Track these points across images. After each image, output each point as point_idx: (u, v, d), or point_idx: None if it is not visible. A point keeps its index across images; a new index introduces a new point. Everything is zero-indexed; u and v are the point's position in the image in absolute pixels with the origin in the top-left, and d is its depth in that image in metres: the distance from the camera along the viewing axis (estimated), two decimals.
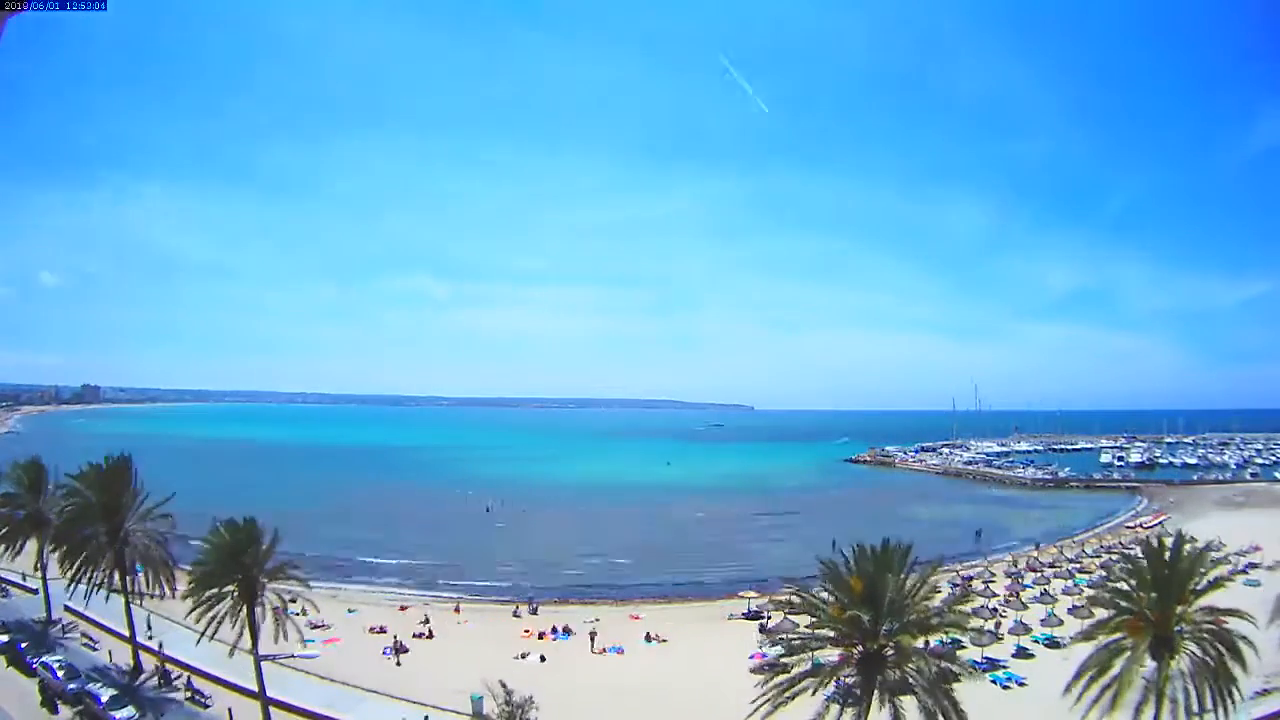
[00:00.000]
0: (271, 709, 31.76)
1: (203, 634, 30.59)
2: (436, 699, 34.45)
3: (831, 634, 23.23)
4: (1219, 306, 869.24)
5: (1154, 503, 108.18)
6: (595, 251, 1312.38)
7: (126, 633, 38.35)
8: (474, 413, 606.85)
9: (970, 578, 62.27)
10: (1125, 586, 25.90)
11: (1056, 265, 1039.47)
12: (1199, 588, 24.36)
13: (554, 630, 47.99)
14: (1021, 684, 37.86)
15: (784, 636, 33.74)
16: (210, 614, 30.78)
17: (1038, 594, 53.93)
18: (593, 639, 45.49)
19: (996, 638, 43.49)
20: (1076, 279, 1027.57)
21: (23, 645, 38.29)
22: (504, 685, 27.85)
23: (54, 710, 31.72)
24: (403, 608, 54.65)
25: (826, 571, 24.05)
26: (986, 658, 40.63)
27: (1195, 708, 22.82)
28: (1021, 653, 42.49)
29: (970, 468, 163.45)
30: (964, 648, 38.96)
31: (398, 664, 41.38)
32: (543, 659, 42.45)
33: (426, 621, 49.14)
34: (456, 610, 53.73)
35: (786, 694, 22.26)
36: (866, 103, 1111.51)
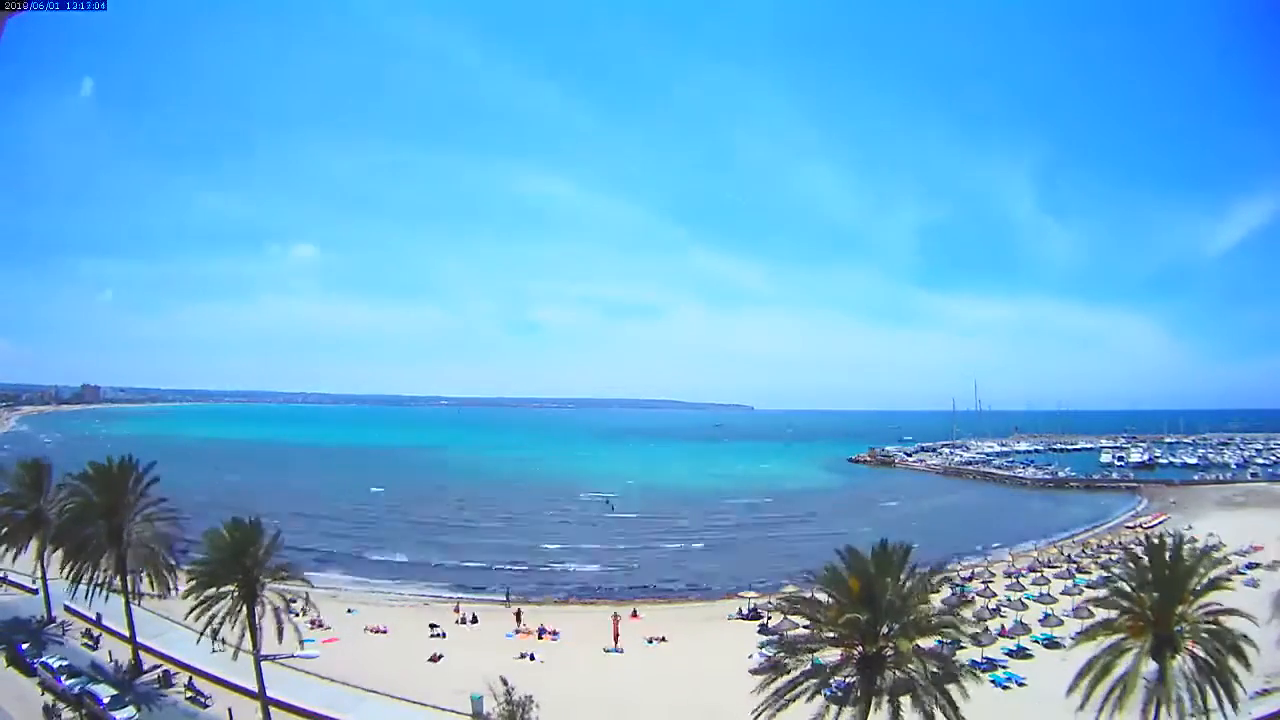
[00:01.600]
0: (271, 709, 31.80)
1: (202, 633, 30.65)
2: (436, 699, 34.47)
3: (831, 635, 23.24)
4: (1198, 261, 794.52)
5: (1154, 503, 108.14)
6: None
7: (126, 633, 38.40)
8: (473, 413, 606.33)
9: (970, 578, 62.32)
10: (1126, 587, 25.91)
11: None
12: (1199, 588, 24.40)
13: (554, 631, 47.96)
14: (1021, 684, 37.88)
15: (784, 637, 33.75)
16: (210, 614, 30.84)
17: (1037, 594, 54.01)
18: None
19: (996, 638, 43.57)
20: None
21: (23, 645, 38.27)
22: (505, 682, 27.87)
23: (54, 710, 31.69)
24: (403, 607, 54.66)
25: (826, 573, 24.06)
26: (986, 658, 40.66)
27: (1197, 707, 22.84)
28: (1021, 653, 42.50)
29: (970, 467, 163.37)
30: (963, 648, 38.93)
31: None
32: (543, 659, 42.44)
33: (435, 628, 49.06)
34: (456, 610, 53.65)
35: (786, 695, 22.28)
36: None
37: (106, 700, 31.74)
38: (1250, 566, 60.95)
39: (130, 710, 31.58)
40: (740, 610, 53.66)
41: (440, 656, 42.37)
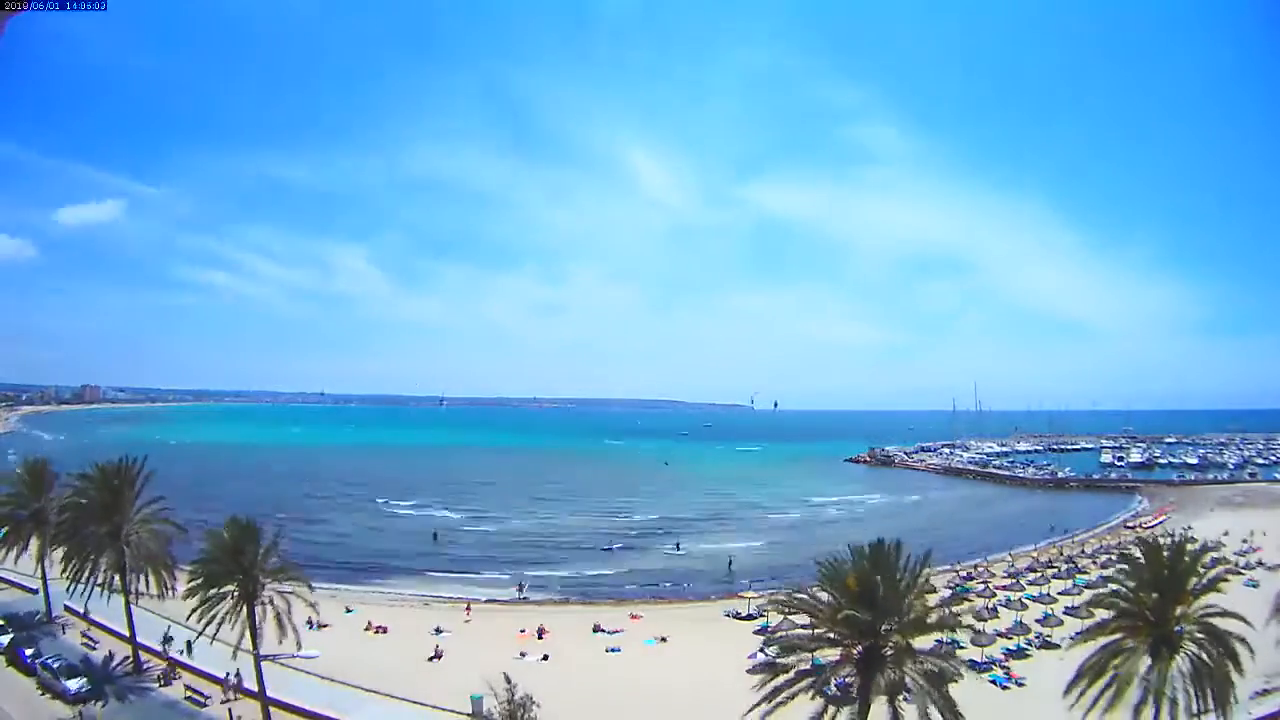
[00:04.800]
0: (271, 709, 31.84)
1: (200, 633, 30.73)
2: (436, 698, 34.51)
3: (830, 634, 23.27)
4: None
5: (1154, 503, 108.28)
6: None
7: (126, 633, 38.45)
8: (473, 413, 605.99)
9: (970, 578, 62.38)
10: (1125, 587, 25.96)
11: None
12: (1199, 588, 24.42)
13: (553, 630, 47.98)
14: (1020, 684, 37.93)
15: (782, 636, 33.79)
16: (211, 614, 30.91)
17: (1036, 594, 54.05)
18: (595, 632, 45.64)
19: (995, 638, 43.61)
20: None
21: (22, 645, 38.33)
22: (507, 678, 27.87)
23: (53, 710, 31.74)
24: (403, 607, 54.69)
25: (824, 571, 24.09)
26: (986, 657, 40.72)
27: (1195, 708, 22.87)
28: (1020, 653, 42.52)
29: (970, 467, 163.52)
30: (963, 647, 39.04)
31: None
32: (543, 659, 42.51)
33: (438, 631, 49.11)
34: (467, 610, 53.71)
35: (784, 694, 22.30)
36: None
37: (105, 700, 31.78)
38: (1249, 566, 61.03)
39: (129, 710, 31.62)
40: (740, 610, 53.72)
41: (440, 656, 42.48)
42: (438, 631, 47.10)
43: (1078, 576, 60.93)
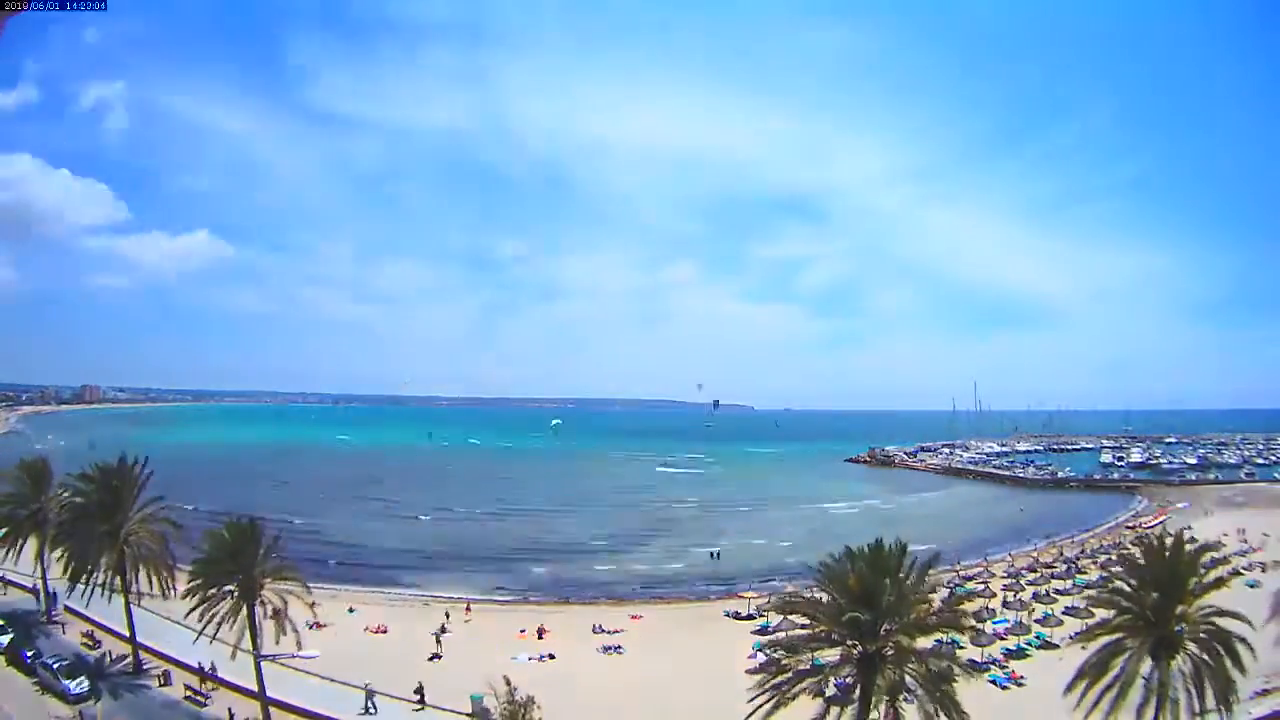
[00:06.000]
0: (271, 709, 31.84)
1: (200, 633, 30.75)
2: (436, 698, 34.49)
3: (830, 634, 23.29)
4: None
5: (1154, 503, 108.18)
6: None
7: (126, 633, 38.46)
8: (473, 413, 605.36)
9: (970, 578, 62.36)
10: (1125, 586, 25.97)
11: None
12: (1199, 588, 24.43)
13: (553, 630, 47.99)
14: (1020, 684, 37.95)
15: (783, 636, 33.80)
16: (210, 614, 30.93)
17: (1036, 594, 54.05)
18: (595, 632, 45.71)
19: (994, 638, 43.62)
20: None
21: (22, 645, 38.34)
22: (507, 681, 27.89)
23: (53, 710, 31.73)
24: (403, 607, 54.66)
25: (825, 571, 24.11)
26: (987, 657, 40.72)
27: (1196, 708, 22.88)
28: (1020, 653, 42.53)
29: (970, 467, 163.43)
30: (963, 648, 39.00)
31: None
32: (543, 659, 42.52)
33: (444, 630, 49.09)
34: (467, 610, 53.69)
35: (785, 694, 22.32)
36: None
37: (104, 700, 31.81)
38: (1249, 567, 61.02)
39: (128, 710, 31.64)
40: (740, 610, 53.72)
41: (440, 656, 42.47)
42: (438, 631, 47.16)
43: (1078, 576, 60.93)
